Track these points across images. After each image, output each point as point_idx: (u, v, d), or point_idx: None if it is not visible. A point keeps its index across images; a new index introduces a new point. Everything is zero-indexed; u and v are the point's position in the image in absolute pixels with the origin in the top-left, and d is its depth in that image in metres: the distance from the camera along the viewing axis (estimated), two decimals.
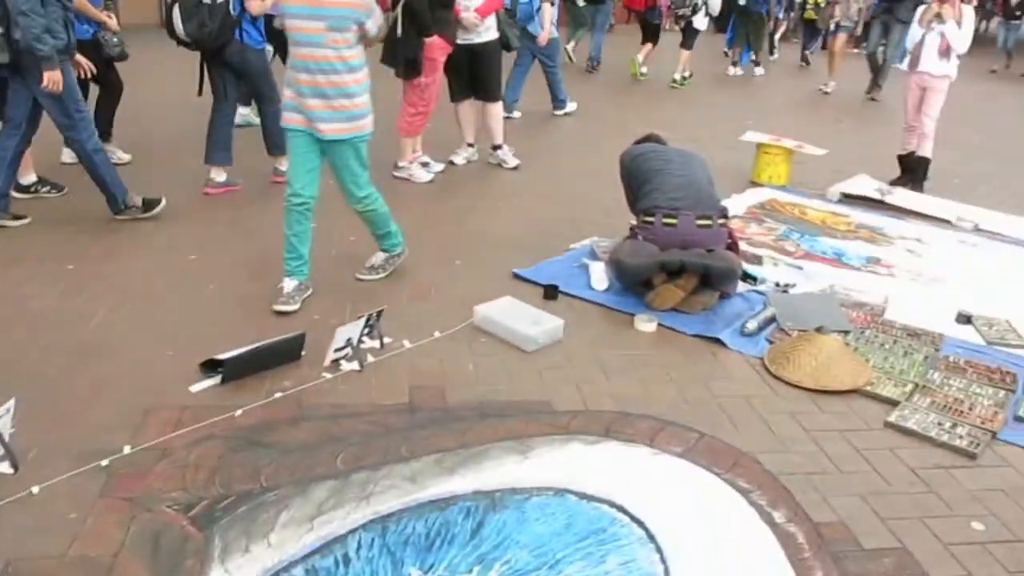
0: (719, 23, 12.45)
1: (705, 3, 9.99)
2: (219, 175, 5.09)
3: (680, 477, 2.60)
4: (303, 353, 3.15)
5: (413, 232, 4.57)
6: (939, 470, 2.72)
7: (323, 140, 3.53)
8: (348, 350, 3.12)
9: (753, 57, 12.12)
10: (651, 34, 10.75)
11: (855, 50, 12.91)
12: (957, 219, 5.49)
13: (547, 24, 7.50)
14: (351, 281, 3.91)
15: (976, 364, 3.42)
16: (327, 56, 3.40)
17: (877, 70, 10.57)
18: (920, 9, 6.16)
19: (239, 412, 2.77)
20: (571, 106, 8.18)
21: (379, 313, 3.29)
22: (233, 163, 5.16)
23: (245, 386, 2.94)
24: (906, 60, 6.13)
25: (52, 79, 4.05)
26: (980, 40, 10.96)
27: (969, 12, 5.96)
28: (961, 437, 2.89)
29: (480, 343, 3.38)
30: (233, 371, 2.96)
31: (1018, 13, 14.50)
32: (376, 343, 3.26)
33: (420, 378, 3.08)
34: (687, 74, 10.55)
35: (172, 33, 4.65)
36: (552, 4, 7.60)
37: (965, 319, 3.88)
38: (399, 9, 5.04)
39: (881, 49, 10.48)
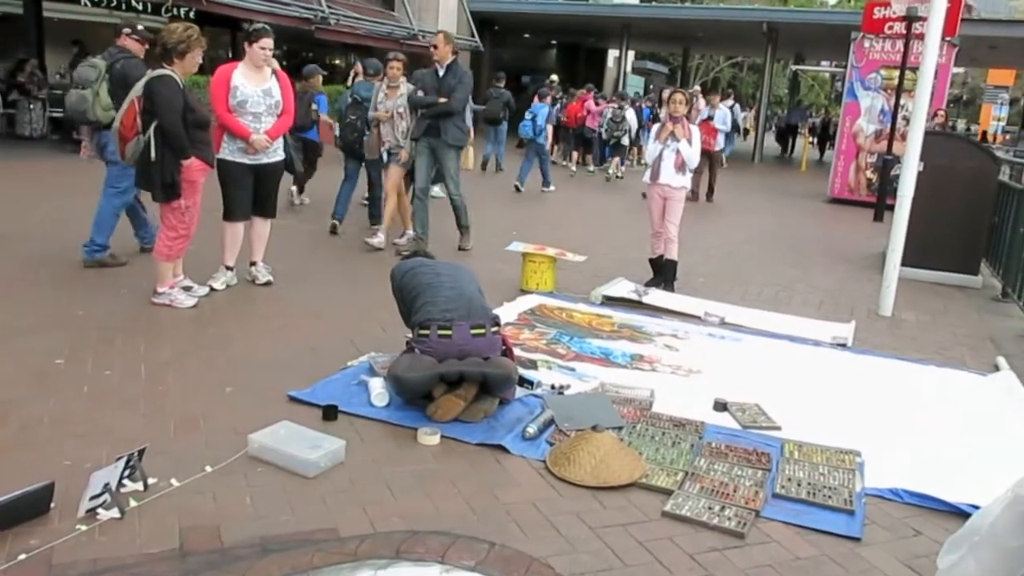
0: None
1: (629, 128, 15.59)
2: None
3: None
4: (52, 505, 2.80)
5: (177, 360, 4.32)
6: (714, 552, 2.88)
7: None
8: (106, 496, 2.82)
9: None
10: (584, 145, 16.69)
11: None
12: (705, 314, 6.01)
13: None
14: (108, 418, 3.57)
15: (735, 448, 3.70)
16: None
17: (425, 216, 7.51)
18: (655, 127, 6.87)
19: None
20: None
21: (141, 452, 3.02)
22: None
23: None
24: (648, 173, 6.75)
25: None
26: None
27: (696, 131, 6.73)
28: (729, 519, 3.08)
29: (257, 473, 3.19)
30: None
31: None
32: (139, 485, 2.98)
33: (191, 519, 2.84)
34: (620, 174, 15.65)
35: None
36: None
37: (721, 406, 4.20)
38: (150, 131, 4.87)
39: (439, 187, 8.17)
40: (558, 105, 16.07)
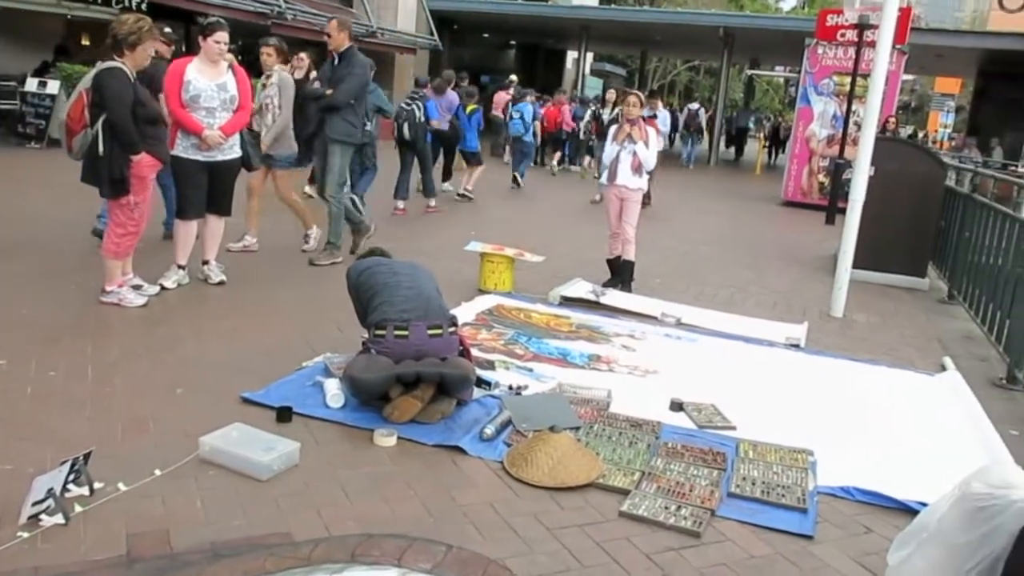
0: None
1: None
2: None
3: None
4: None
5: (126, 361, 4.22)
6: (670, 552, 2.89)
7: None
8: (50, 501, 2.74)
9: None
10: (558, 145, 17.21)
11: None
12: (662, 315, 6.05)
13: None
14: (53, 420, 3.47)
15: (691, 447, 3.72)
16: None
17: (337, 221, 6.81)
18: (613, 128, 6.90)
19: None
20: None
21: (87, 455, 2.94)
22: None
23: None
24: (605, 174, 6.78)
25: None
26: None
27: (653, 134, 6.77)
28: (685, 518, 3.10)
29: (208, 476, 3.12)
30: None
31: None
32: (84, 490, 2.89)
33: (139, 524, 2.76)
34: (583, 173, 16.36)
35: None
36: None
37: (678, 406, 4.23)
38: (99, 125, 4.75)
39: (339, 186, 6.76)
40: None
